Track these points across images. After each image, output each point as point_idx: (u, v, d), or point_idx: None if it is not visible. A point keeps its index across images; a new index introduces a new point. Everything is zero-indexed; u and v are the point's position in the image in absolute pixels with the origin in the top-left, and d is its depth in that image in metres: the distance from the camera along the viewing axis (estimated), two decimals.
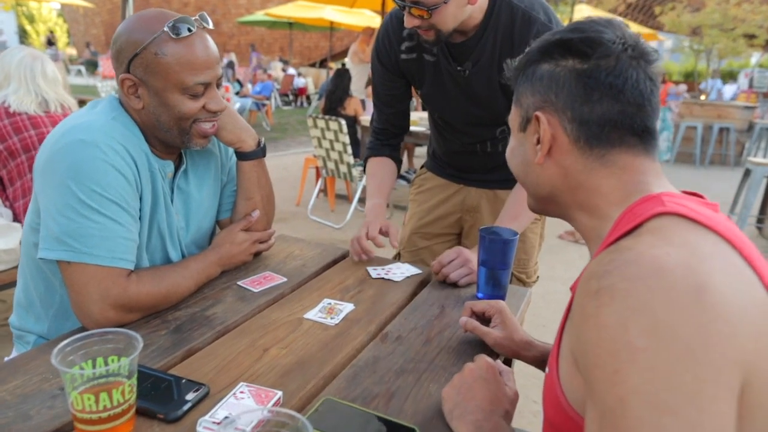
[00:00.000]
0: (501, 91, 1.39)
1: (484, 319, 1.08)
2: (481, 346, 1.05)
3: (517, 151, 0.81)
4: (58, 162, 1.01)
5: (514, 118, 0.81)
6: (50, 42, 20.50)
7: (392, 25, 1.47)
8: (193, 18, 1.10)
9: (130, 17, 1.11)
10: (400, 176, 6.07)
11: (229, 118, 1.25)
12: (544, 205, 0.82)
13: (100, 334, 0.77)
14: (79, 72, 19.63)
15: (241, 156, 1.31)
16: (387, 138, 1.64)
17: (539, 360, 1.00)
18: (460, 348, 1.05)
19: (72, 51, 27.27)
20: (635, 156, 0.71)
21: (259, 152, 1.32)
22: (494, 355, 1.03)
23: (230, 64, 13.95)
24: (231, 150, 1.36)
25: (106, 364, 0.78)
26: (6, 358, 1.37)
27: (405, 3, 1.22)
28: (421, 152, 6.31)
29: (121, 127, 1.10)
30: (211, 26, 1.13)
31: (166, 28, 1.04)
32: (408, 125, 1.67)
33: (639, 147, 0.71)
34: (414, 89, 1.59)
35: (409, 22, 1.27)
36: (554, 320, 3.14)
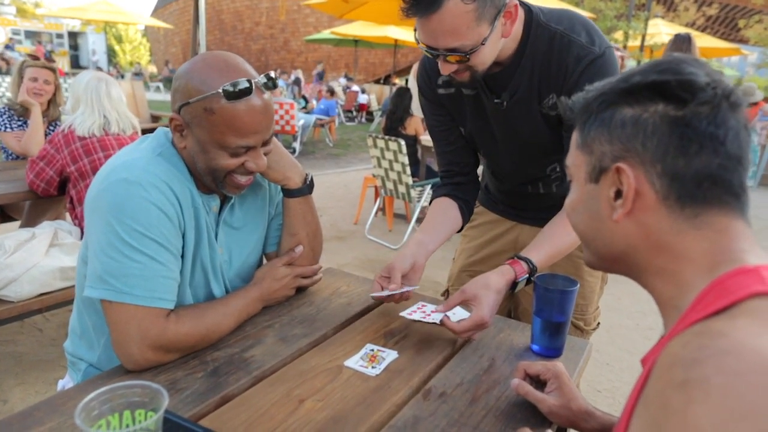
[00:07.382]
0: (544, 123, 1.28)
1: (539, 382, 0.99)
2: (532, 410, 0.96)
3: (583, 206, 0.71)
4: (102, 200, 1.02)
5: (578, 166, 0.71)
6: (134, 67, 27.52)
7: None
8: (258, 79, 1.06)
9: (197, 59, 1.07)
10: None
11: (275, 156, 1.22)
12: (611, 264, 0.72)
13: (126, 387, 0.75)
14: (157, 88, 20.83)
15: (287, 193, 1.29)
16: (450, 177, 1.53)
17: None
18: (510, 411, 0.96)
19: (153, 68, 29.08)
20: (731, 218, 0.61)
21: (305, 189, 1.29)
22: (548, 422, 0.94)
23: (297, 81, 14.33)
24: None
25: (133, 417, 0.75)
26: (60, 381, 1.41)
27: (439, 52, 1.13)
28: None
29: (166, 163, 1.10)
30: (276, 88, 1.09)
31: (221, 90, 1.01)
32: (475, 161, 1.55)
33: (735, 207, 0.62)
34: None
35: (445, 69, 1.17)
36: (619, 359, 2.94)
